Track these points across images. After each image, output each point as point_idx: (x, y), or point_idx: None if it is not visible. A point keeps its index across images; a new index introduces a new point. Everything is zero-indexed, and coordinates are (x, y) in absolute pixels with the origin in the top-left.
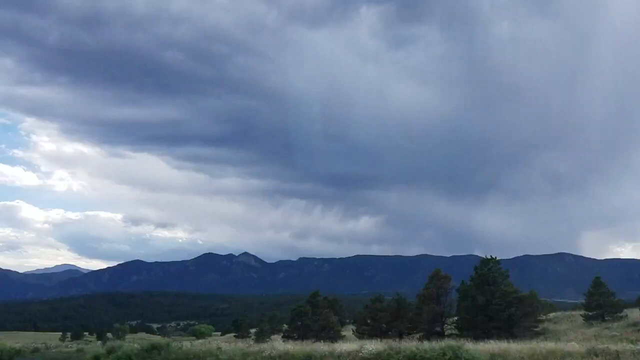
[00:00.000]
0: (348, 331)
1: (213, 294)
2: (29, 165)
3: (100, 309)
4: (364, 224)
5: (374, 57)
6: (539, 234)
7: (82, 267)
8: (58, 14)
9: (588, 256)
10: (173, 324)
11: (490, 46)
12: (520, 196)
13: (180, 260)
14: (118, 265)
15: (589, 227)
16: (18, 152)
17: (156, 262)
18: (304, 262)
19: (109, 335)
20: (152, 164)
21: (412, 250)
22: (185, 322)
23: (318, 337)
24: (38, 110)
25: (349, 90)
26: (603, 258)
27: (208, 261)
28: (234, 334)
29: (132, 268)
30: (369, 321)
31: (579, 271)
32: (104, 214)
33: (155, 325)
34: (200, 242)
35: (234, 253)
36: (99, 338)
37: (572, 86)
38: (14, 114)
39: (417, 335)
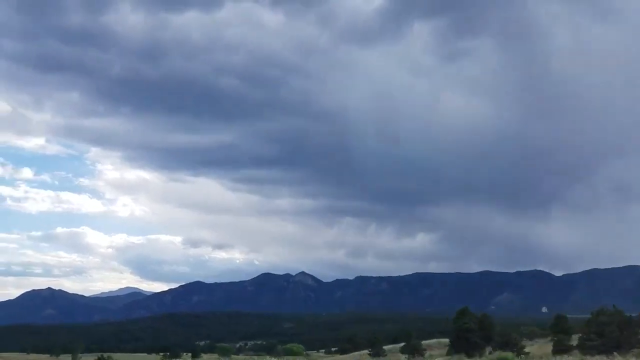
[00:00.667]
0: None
1: (274, 312)
2: (94, 193)
3: (166, 329)
4: (420, 240)
5: (426, 73)
6: (606, 246)
7: (144, 289)
8: (119, 46)
9: None
10: (241, 343)
11: (549, 55)
12: (585, 207)
13: (238, 280)
14: (179, 286)
15: None
16: (84, 181)
17: (215, 282)
18: (361, 280)
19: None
20: (209, 188)
21: (472, 267)
22: (253, 342)
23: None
24: (102, 140)
25: (401, 106)
26: None
27: (266, 281)
28: (367, 351)
29: (193, 289)
30: (592, 336)
31: None
32: (164, 237)
33: (224, 345)
34: (256, 262)
35: (290, 273)
36: (194, 357)
37: (636, 90)
38: (79, 144)
39: None
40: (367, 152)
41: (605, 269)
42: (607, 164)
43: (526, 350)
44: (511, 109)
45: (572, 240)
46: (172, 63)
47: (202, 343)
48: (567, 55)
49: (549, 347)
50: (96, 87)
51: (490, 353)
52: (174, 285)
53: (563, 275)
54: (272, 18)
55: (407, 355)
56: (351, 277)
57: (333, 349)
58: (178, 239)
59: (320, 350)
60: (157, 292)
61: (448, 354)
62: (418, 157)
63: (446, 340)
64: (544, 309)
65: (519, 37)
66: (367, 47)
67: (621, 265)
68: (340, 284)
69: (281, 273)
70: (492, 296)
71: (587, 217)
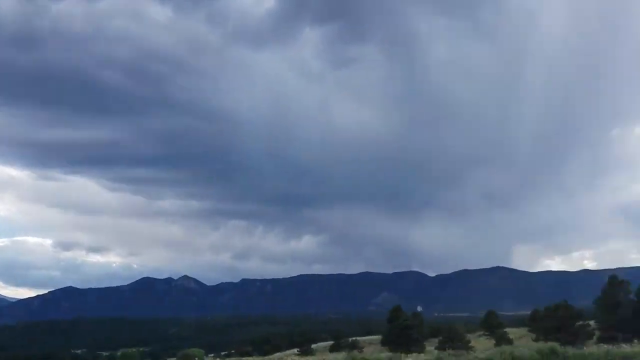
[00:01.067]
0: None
1: (156, 318)
2: None
3: (36, 338)
4: (306, 243)
5: (317, 78)
6: (475, 248)
7: (8, 295)
8: None
9: (521, 269)
10: (123, 350)
11: (428, 67)
12: (457, 212)
13: (115, 285)
14: (48, 292)
15: (521, 241)
16: None
17: (90, 288)
18: (246, 283)
19: None
20: (86, 187)
21: (354, 268)
22: (139, 349)
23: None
24: None
25: (292, 110)
26: (535, 271)
27: (145, 285)
28: (296, 351)
29: (64, 295)
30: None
31: (514, 284)
32: (32, 240)
33: (104, 353)
34: (135, 266)
35: (172, 277)
36: None
37: (506, 105)
38: None
39: None
40: (257, 155)
41: (474, 270)
42: (476, 172)
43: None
44: (394, 116)
45: (444, 243)
46: (49, 53)
47: (79, 352)
48: (444, 69)
49: (486, 342)
50: None
51: (436, 348)
52: (42, 291)
53: (436, 275)
54: (160, 12)
55: (347, 351)
56: (236, 280)
57: (223, 353)
58: (48, 242)
59: (210, 355)
60: (23, 299)
61: (391, 350)
62: (307, 161)
63: (372, 337)
64: (419, 308)
65: (403, 47)
66: (258, 49)
67: (488, 267)
68: (224, 287)
69: (162, 277)
70: (371, 296)
71: (458, 221)
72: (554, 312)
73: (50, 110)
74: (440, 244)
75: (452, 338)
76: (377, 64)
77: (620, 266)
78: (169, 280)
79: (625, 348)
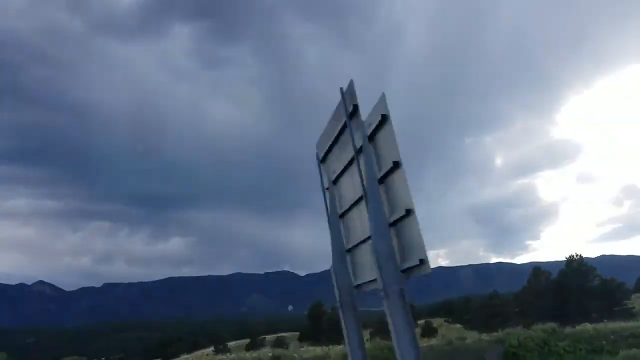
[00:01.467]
0: None
1: (9, 327)
2: None
3: None
4: (174, 245)
5: (187, 76)
6: None
7: None
8: None
9: None
10: None
11: (299, 70)
12: (322, 213)
13: None
14: None
15: None
16: None
17: None
18: (109, 287)
19: None
20: None
21: (225, 269)
22: None
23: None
24: None
25: (162, 108)
26: None
27: None
28: (212, 349)
29: None
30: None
31: None
32: None
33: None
34: None
35: (25, 282)
36: None
37: None
38: None
39: None
40: (123, 153)
41: None
42: None
43: None
44: (266, 117)
45: (314, 243)
46: None
47: None
48: (315, 72)
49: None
50: None
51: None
52: None
53: (306, 275)
54: None
55: (271, 347)
56: (98, 285)
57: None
58: None
59: None
60: None
61: (315, 345)
62: (177, 161)
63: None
64: (290, 308)
65: (275, 49)
66: (125, 42)
67: None
68: (85, 292)
69: (14, 283)
70: (244, 297)
71: (324, 222)
72: (491, 301)
73: None
74: (309, 244)
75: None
76: (248, 65)
77: (471, 263)
78: (21, 286)
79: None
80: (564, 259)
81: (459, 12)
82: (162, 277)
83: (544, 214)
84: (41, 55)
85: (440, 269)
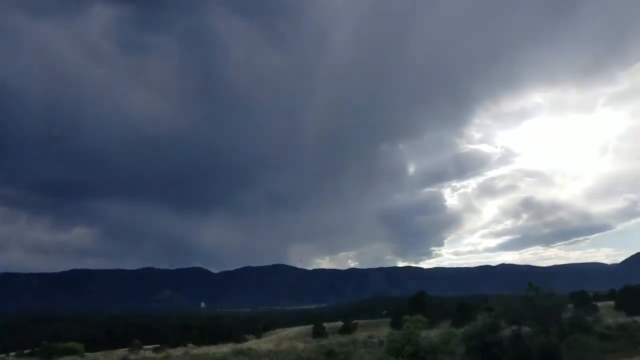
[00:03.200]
0: None
1: None
2: None
3: None
4: (77, 235)
5: (105, 60)
6: (257, 246)
7: None
8: None
9: (299, 267)
10: None
11: (225, 66)
12: (243, 212)
13: None
14: None
15: (298, 241)
16: None
17: None
18: (7, 277)
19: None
20: None
21: (133, 263)
22: None
23: None
24: None
25: (74, 91)
26: (311, 268)
27: None
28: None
29: None
30: None
31: (292, 280)
32: None
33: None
34: None
35: None
36: None
37: (293, 113)
38: None
39: None
40: (28, 135)
41: (257, 267)
42: (262, 174)
43: None
44: (186, 111)
45: (228, 241)
46: None
47: None
48: (240, 69)
49: None
50: None
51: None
52: None
53: (220, 272)
54: None
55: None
56: None
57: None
58: None
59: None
60: None
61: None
62: (88, 147)
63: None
64: (202, 304)
65: (200, 43)
66: (37, 18)
67: (269, 264)
68: None
69: None
70: (153, 293)
71: (243, 220)
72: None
73: None
74: (224, 241)
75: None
76: (172, 56)
77: (379, 266)
78: None
79: None
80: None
81: (385, 23)
82: (67, 269)
83: (448, 222)
84: None
85: (351, 270)
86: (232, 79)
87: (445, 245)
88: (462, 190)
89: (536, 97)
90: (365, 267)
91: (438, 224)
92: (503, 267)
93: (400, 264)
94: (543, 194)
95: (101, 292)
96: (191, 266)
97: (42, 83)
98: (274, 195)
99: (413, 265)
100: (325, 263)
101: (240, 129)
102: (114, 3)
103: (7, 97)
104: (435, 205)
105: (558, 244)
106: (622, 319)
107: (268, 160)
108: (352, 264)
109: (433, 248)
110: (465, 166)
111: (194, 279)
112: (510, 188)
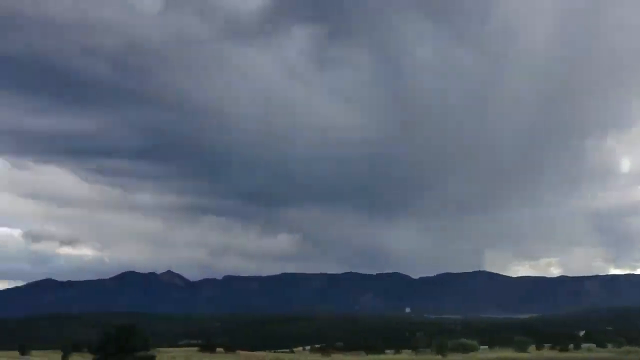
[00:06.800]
0: None
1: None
2: None
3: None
4: (286, 241)
5: (302, 77)
6: (451, 252)
7: None
8: None
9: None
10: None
11: (412, 72)
12: (439, 217)
13: (96, 279)
14: (26, 285)
15: (494, 246)
16: None
17: (69, 281)
18: (230, 280)
19: None
20: (60, 177)
21: (333, 267)
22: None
23: None
24: None
25: (275, 109)
26: (515, 276)
27: (128, 280)
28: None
29: (42, 288)
30: None
31: (496, 287)
32: (1, 230)
33: None
34: (107, 260)
35: (155, 271)
36: None
37: (484, 113)
38: None
39: None
40: (240, 152)
41: (456, 273)
42: (451, 179)
43: None
44: (377, 119)
45: (422, 246)
46: (30, 39)
47: None
48: (428, 72)
49: None
50: None
51: None
52: (20, 283)
53: (419, 278)
54: (148, 4)
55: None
56: (219, 277)
57: None
58: (17, 232)
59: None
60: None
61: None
62: (288, 161)
63: None
64: (407, 310)
65: (387, 50)
66: (244, 45)
67: (469, 270)
68: (208, 283)
69: (144, 272)
70: (356, 297)
71: (436, 226)
72: None
73: None
74: (421, 247)
75: None
76: (363, 67)
77: (590, 273)
78: (151, 276)
79: None
80: None
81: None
82: (278, 272)
83: None
84: (169, 60)
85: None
86: (421, 84)
87: None
88: None
89: None
90: (572, 274)
91: None
92: None
93: (614, 271)
94: None
95: (309, 294)
96: (390, 271)
97: (249, 103)
98: (465, 199)
99: (633, 273)
100: (524, 269)
101: (427, 134)
102: (309, 23)
103: (223, 119)
104: None
105: None
106: None
107: (454, 165)
108: (555, 270)
109: None
110: None
111: (393, 284)
112: None
